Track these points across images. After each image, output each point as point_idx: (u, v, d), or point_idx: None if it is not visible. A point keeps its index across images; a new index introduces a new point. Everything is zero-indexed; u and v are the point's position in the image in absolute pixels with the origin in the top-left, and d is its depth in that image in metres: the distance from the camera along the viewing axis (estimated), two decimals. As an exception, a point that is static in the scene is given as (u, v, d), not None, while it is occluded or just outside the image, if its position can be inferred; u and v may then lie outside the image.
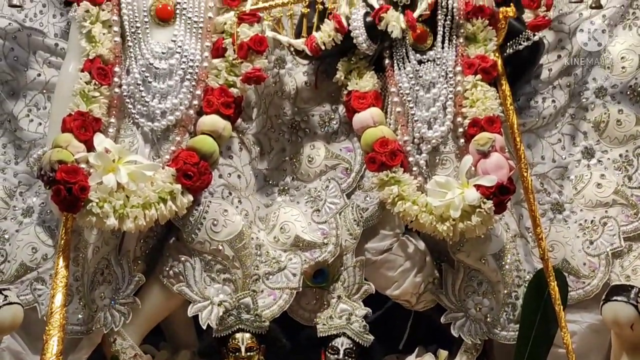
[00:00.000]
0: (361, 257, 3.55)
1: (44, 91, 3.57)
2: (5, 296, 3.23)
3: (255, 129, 3.64)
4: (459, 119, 3.47)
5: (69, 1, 3.49)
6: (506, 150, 3.44)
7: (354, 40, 3.40)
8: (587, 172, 3.70)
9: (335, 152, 3.58)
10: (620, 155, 3.70)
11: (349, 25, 3.39)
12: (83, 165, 3.23)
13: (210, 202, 3.40)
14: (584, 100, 3.71)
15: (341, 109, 3.58)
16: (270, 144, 3.66)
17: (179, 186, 3.30)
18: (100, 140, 3.28)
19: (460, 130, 3.47)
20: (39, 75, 3.56)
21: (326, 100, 3.62)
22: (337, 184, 3.56)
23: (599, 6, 3.55)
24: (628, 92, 3.68)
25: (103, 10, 3.38)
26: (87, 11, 3.37)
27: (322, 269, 3.54)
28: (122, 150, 3.31)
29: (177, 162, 3.33)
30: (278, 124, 3.65)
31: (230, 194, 3.47)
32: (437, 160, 3.48)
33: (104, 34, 3.37)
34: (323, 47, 3.40)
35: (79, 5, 3.38)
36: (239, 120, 3.53)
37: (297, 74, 3.64)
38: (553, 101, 3.68)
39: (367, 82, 3.46)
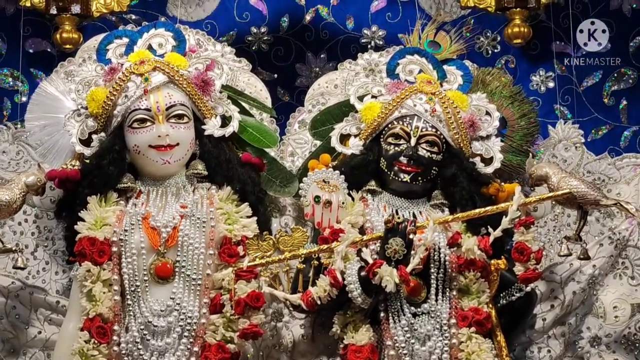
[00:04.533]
0: None
1: (44, 348, 3.60)
2: None
3: (253, 383, 3.65)
4: (456, 371, 3.48)
5: (71, 260, 3.57)
6: (504, 403, 3.44)
7: (349, 295, 3.44)
8: None
9: (333, 407, 3.58)
10: (619, 407, 3.70)
11: (343, 279, 3.44)
12: None
13: None
14: (579, 349, 3.71)
15: (338, 362, 3.60)
16: (268, 400, 3.67)
17: None
18: (97, 400, 3.30)
19: (457, 383, 3.48)
20: (40, 332, 3.61)
21: (323, 354, 3.63)
22: None
23: (587, 257, 3.61)
24: (622, 341, 3.70)
25: (104, 269, 3.44)
26: (89, 271, 3.43)
27: None
28: (119, 409, 3.32)
29: (174, 422, 3.33)
30: (276, 378, 3.67)
31: None
32: (436, 415, 3.47)
33: (104, 292, 3.43)
34: (319, 302, 3.43)
35: (80, 264, 3.46)
36: (237, 373, 3.54)
37: (294, 327, 3.68)
38: (549, 351, 3.69)
39: (363, 335, 3.47)
